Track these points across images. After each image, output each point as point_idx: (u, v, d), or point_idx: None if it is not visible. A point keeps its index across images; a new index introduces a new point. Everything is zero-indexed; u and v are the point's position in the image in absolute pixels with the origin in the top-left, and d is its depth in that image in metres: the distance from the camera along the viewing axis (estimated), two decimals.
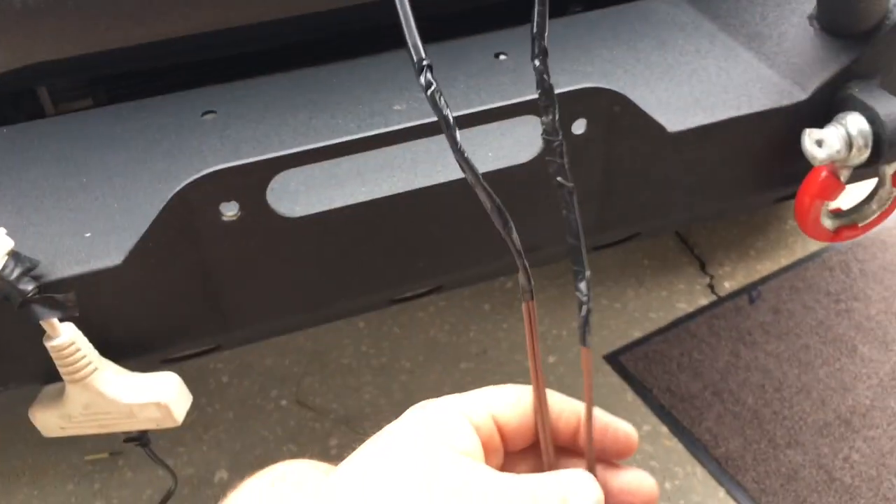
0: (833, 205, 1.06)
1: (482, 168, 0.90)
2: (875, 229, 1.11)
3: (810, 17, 1.02)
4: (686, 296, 2.05)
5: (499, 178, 0.91)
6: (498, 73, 1.08)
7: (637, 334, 1.95)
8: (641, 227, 1.08)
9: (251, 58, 1.15)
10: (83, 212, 0.88)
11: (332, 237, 0.89)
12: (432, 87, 0.52)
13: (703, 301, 2.03)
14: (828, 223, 1.06)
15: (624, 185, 0.98)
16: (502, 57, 1.10)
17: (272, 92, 1.05)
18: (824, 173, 0.99)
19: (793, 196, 1.13)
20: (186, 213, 0.81)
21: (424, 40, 0.53)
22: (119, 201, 0.90)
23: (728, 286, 2.07)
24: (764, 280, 2.07)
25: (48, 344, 0.81)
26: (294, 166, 0.81)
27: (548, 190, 0.98)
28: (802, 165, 1.01)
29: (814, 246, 2.15)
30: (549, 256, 1.04)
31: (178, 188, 0.79)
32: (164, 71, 1.14)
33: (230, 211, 0.83)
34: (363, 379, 1.88)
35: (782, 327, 1.93)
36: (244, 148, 0.96)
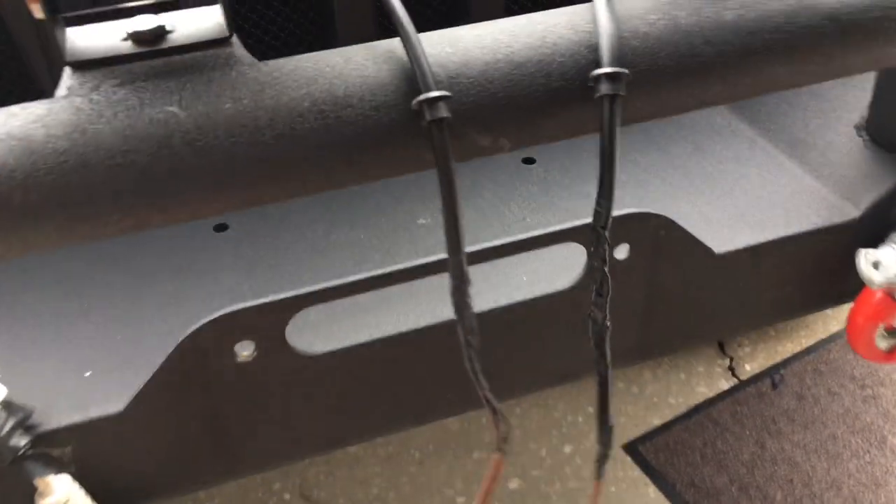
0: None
1: (517, 294, 0.84)
2: None
3: (858, 128, 0.97)
4: (706, 379, 1.97)
5: (537, 306, 0.84)
6: (527, 181, 1.02)
7: (656, 421, 1.86)
8: (683, 345, 1.01)
9: None
10: (83, 344, 0.81)
11: (355, 373, 0.82)
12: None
13: (724, 384, 1.95)
14: (882, 344, 0.99)
15: (666, 308, 0.92)
16: (531, 166, 1.04)
17: (288, 202, 0.98)
18: (879, 295, 0.93)
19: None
20: (198, 355, 0.74)
21: None
22: (123, 331, 0.82)
23: (749, 368, 1.99)
24: (786, 363, 1.99)
25: (40, 502, 0.73)
26: (315, 304, 0.74)
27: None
28: (853, 282, 0.95)
29: (835, 326, 2.08)
30: (580, 378, 0.97)
31: (189, 330, 0.72)
32: None
33: (245, 351, 0.76)
34: (370, 470, 1.78)
35: (808, 415, 1.85)
36: (259, 269, 0.89)
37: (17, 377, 0.75)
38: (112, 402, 0.75)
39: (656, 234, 0.84)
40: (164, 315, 0.83)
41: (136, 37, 0.46)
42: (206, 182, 0.43)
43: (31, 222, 0.40)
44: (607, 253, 0.50)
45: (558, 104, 0.46)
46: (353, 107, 0.42)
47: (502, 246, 0.77)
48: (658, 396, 1.94)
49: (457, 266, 0.48)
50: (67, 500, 0.74)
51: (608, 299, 0.53)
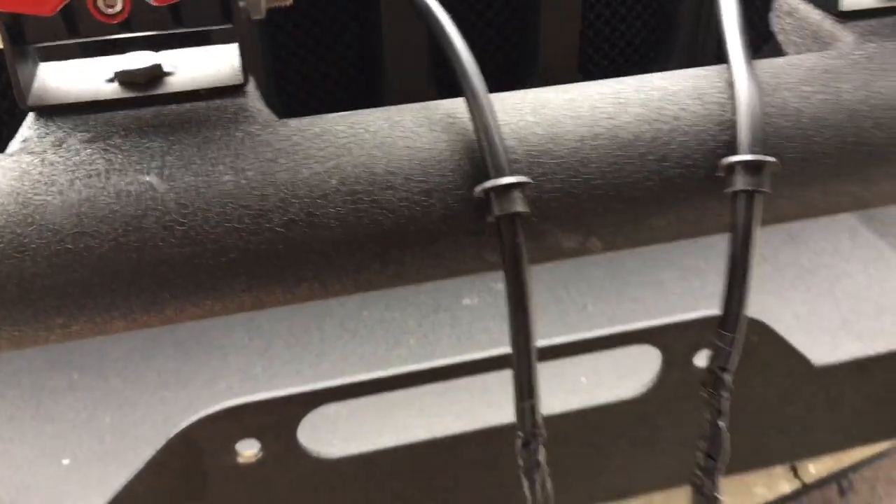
0: None
1: (577, 400, 0.72)
2: None
3: None
4: (765, 479, 1.79)
5: (599, 414, 0.71)
6: (590, 261, 0.89)
7: None
8: (762, 466, 0.87)
9: None
10: (64, 426, 0.70)
11: (376, 483, 0.69)
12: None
13: (786, 487, 1.77)
14: None
15: (754, 423, 0.78)
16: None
17: None
18: None
19: None
20: (192, 453, 0.62)
21: None
22: (111, 413, 0.71)
23: (814, 471, 1.81)
24: (855, 467, 1.80)
25: None
26: (333, 401, 0.62)
27: (653, 428, 0.78)
28: None
29: None
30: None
31: (184, 424, 0.60)
32: None
33: (249, 450, 0.63)
34: None
35: None
36: (276, 348, 0.77)
37: None
38: (89, 500, 0.63)
39: (747, 340, 0.70)
40: (160, 397, 0.72)
41: (124, 77, 0.35)
42: (187, 282, 0.31)
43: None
44: (721, 403, 0.38)
45: (676, 198, 0.33)
46: (395, 188, 0.30)
47: (566, 345, 0.64)
48: None
49: (526, 414, 0.35)
50: None
51: (719, 464, 0.40)
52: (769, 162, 0.33)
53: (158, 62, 0.36)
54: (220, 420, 0.60)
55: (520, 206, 0.31)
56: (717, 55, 0.53)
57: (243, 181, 0.31)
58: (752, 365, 0.72)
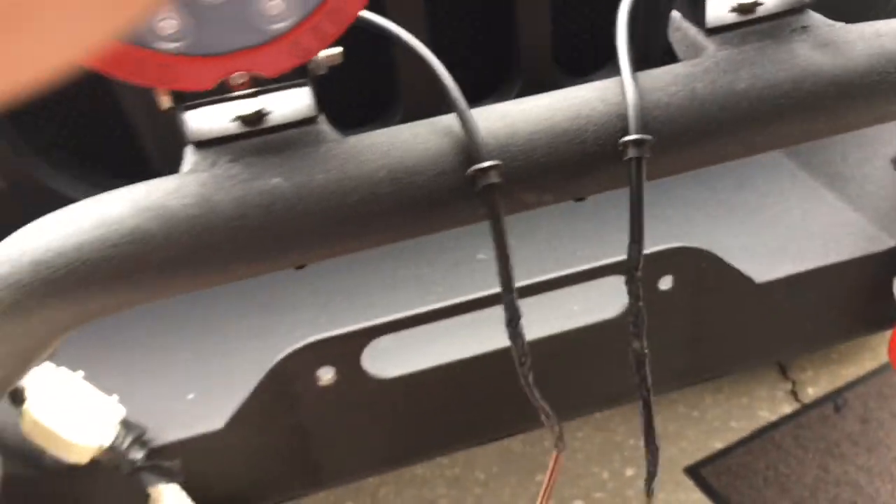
0: None
1: (568, 323, 0.92)
2: None
3: (894, 161, 1.02)
4: (768, 403, 1.99)
5: (585, 334, 0.92)
6: (579, 217, 1.10)
7: (718, 445, 1.90)
8: (727, 371, 1.07)
9: None
10: (186, 372, 0.92)
11: (424, 395, 0.91)
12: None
13: (787, 408, 1.97)
14: None
15: (711, 335, 0.98)
16: (582, 203, 1.13)
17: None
18: None
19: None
20: (285, 380, 0.84)
21: None
22: (219, 361, 0.94)
23: (812, 392, 2.00)
24: (849, 386, 2.00)
25: None
26: (388, 333, 0.84)
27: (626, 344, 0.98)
28: (893, 308, 1.00)
29: None
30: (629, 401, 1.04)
31: (278, 358, 0.82)
32: None
33: (327, 375, 0.86)
34: (437, 491, 1.87)
35: (872, 438, 1.86)
36: (335, 301, 0.99)
37: (131, 401, 0.87)
38: (213, 420, 0.86)
39: (698, 266, 0.91)
40: (254, 346, 0.94)
41: (241, 119, 0.57)
42: (302, 239, 0.53)
43: (166, 276, 0.51)
44: (640, 290, 0.58)
45: (593, 166, 0.54)
46: (420, 174, 0.52)
47: (551, 280, 0.85)
48: (719, 420, 1.97)
49: (509, 303, 0.56)
50: None
51: (644, 330, 0.61)
52: (647, 139, 0.54)
53: (261, 106, 0.58)
54: (303, 353, 0.82)
55: (494, 178, 0.53)
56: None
57: (330, 177, 0.52)
58: (703, 285, 0.93)
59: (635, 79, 0.55)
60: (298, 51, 0.51)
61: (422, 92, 0.95)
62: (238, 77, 0.53)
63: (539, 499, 0.69)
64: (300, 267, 1.10)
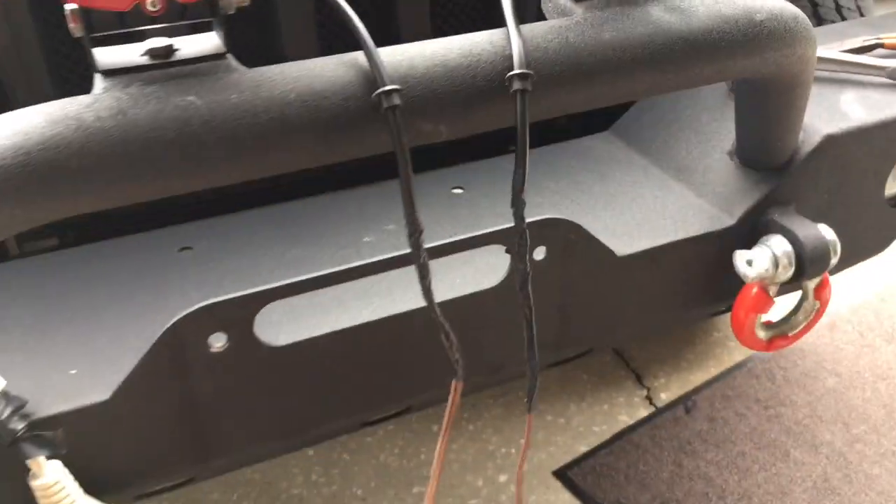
0: (765, 317, 1.16)
1: (452, 292, 0.98)
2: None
3: (730, 153, 1.16)
4: (626, 408, 2.12)
5: (468, 303, 0.98)
6: (457, 206, 1.17)
7: (583, 448, 2.00)
8: (595, 343, 1.16)
9: (224, 197, 1.21)
10: (69, 348, 0.90)
11: (314, 364, 0.93)
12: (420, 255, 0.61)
13: (643, 412, 2.11)
14: (762, 334, 1.16)
15: (579, 305, 1.06)
16: (458, 191, 1.20)
17: (247, 227, 1.10)
18: (755, 290, 1.10)
19: (725, 311, 1.24)
20: (177, 346, 0.84)
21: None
22: (104, 335, 0.92)
23: (664, 397, 2.16)
24: (697, 390, 2.16)
25: (33, 483, 0.81)
26: (281, 297, 0.86)
27: (511, 312, 1.05)
28: (734, 283, 1.12)
29: (739, 356, 2.28)
30: (510, 375, 1.10)
31: (171, 322, 0.82)
32: (133, 212, 1.18)
33: (218, 342, 0.86)
34: None
35: (719, 435, 2.02)
36: (226, 281, 1.00)
37: (11, 374, 0.84)
38: (98, 392, 0.84)
39: (567, 237, 0.99)
40: (141, 323, 0.94)
41: (151, 52, 0.59)
42: (217, 154, 0.55)
43: (81, 186, 0.52)
44: (523, 215, 0.64)
45: (483, 98, 0.61)
46: (328, 98, 0.56)
47: (438, 247, 0.90)
48: (584, 426, 2.08)
49: (410, 217, 0.61)
50: (57, 482, 0.82)
51: (528, 264, 0.67)
52: (530, 73, 0.61)
53: (171, 43, 0.61)
54: (196, 317, 0.83)
55: (396, 101, 0.58)
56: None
57: (243, 98, 0.55)
58: (571, 256, 1.01)
59: (518, 29, 0.62)
60: None
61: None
62: (152, 4, 0.56)
63: (441, 435, 0.73)
64: (186, 249, 1.10)
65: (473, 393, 1.13)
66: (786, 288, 1.14)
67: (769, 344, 1.18)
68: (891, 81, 1.19)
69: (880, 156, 1.15)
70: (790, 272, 1.08)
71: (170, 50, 0.59)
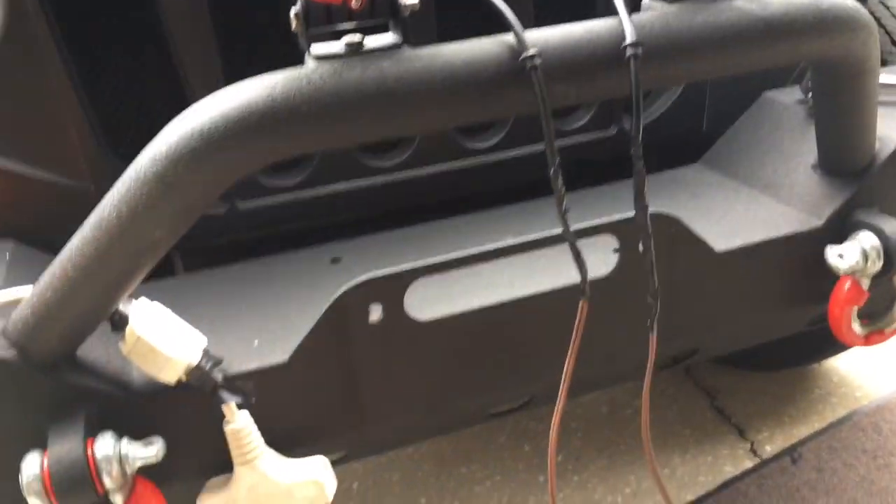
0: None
1: (566, 280, 1.10)
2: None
3: (814, 166, 1.28)
4: (731, 460, 2.14)
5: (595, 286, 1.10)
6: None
7: (689, 497, 2.02)
8: (699, 341, 1.26)
9: (365, 220, 1.40)
10: (248, 331, 1.07)
11: (455, 339, 1.06)
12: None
13: (748, 464, 2.12)
14: (859, 330, 1.24)
15: (681, 298, 1.18)
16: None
17: (388, 244, 1.28)
18: (848, 283, 1.20)
19: (821, 321, 1.32)
20: (342, 314, 1.00)
21: None
22: (276, 323, 1.09)
23: (769, 449, 2.17)
24: (803, 442, 2.17)
25: (228, 428, 0.96)
26: (429, 274, 1.01)
27: (621, 304, 1.16)
28: (826, 285, 1.22)
29: (842, 410, 2.28)
30: (621, 372, 1.21)
31: (337, 293, 0.99)
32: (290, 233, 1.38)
33: (375, 314, 1.01)
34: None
35: (828, 484, 2.01)
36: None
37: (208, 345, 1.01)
38: (277, 356, 1.00)
39: (669, 230, 1.12)
40: (305, 308, 1.10)
41: (349, 44, 0.79)
42: (406, 106, 0.74)
43: (312, 125, 0.70)
44: (640, 150, 0.79)
45: (604, 65, 0.78)
46: (485, 62, 0.74)
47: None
48: (688, 476, 2.11)
49: (551, 150, 0.77)
50: (246, 428, 0.97)
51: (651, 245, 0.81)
52: (640, 43, 0.78)
53: (362, 38, 0.80)
54: (357, 290, 0.99)
55: (537, 62, 0.75)
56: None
57: (420, 67, 0.74)
58: (672, 250, 1.13)
59: (629, 17, 0.80)
60: None
61: None
62: (356, 1, 0.76)
63: (570, 349, 0.85)
64: (336, 261, 1.28)
65: (585, 393, 1.24)
66: (878, 282, 1.22)
67: (867, 339, 1.26)
68: None
69: None
70: (879, 265, 1.17)
71: (361, 43, 0.79)
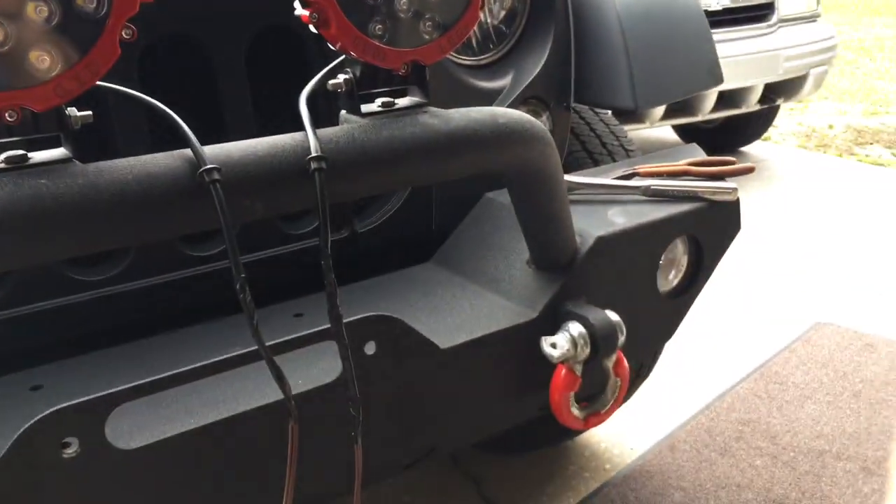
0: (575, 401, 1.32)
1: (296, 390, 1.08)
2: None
3: (527, 262, 1.37)
4: None
5: (311, 397, 1.08)
6: (298, 328, 1.29)
7: None
8: (434, 438, 1.27)
9: (71, 341, 1.28)
10: None
11: (168, 465, 0.99)
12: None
13: None
14: (578, 413, 1.32)
15: (412, 397, 1.19)
16: (301, 316, 1.33)
17: (95, 366, 1.17)
18: (564, 371, 1.27)
19: (547, 409, 1.38)
20: (29, 454, 0.89)
21: None
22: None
23: None
24: None
25: None
26: (130, 399, 0.94)
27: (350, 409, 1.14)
28: (547, 373, 1.29)
29: (594, 483, 2.41)
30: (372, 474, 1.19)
31: (23, 428, 0.88)
32: None
33: (71, 448, 0.92)
34: None
35: None
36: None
37: None
38: None
39: (394, 332, 1.14)
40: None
41: (7, 159, 0.73)
42: (67, 226, 0.68)
43: None
44: (329, 262, 0.79)
45: (289, 179, 0.78)
46: (160, 178, 0.71)
47: (276, 344, 1.02)
48: None
49: (236, 263, 0.74)
50: None
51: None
52: (324, 157, 0.79)
53: (25, 152, 0.75)
54: (49, 421, 0.90)
55: (216, 175, 0.74)
56: None
57: (87, 180, 0.70)
58: (399, 351, 1.15)
59: (315, 132, 0.81)
60: (61, 91, 0.70)
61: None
62: (10, 114, 0.71)
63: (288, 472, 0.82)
64: (36, 388, 1.16)
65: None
66: (590, 367, 1.31)
67: (586, 422, 1.34)
68: (645, 197, 1.47)
69: (646, 253, 1.40)
70: (587, 351, 1.26)
71: (24, 157, 0.73)
